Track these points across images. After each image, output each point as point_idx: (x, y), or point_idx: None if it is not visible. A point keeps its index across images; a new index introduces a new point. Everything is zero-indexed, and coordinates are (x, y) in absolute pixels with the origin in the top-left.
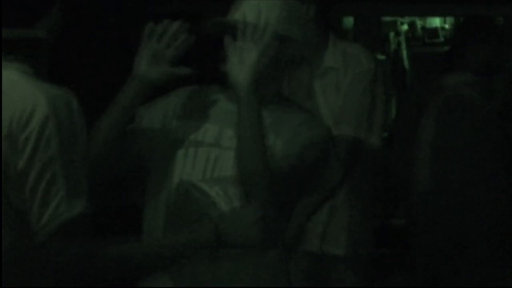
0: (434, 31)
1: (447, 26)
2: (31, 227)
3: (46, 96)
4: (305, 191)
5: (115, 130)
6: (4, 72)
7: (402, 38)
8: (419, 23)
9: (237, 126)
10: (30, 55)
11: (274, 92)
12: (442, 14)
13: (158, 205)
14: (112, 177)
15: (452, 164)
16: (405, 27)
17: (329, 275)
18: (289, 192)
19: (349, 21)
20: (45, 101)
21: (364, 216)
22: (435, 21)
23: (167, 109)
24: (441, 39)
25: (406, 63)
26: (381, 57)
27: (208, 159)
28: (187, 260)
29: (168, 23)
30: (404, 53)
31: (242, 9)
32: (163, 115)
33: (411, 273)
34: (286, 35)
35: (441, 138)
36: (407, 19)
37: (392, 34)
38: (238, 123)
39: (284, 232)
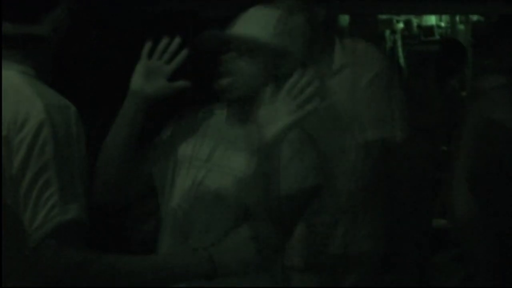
0: (430, 29)
1: (443, 24)
2: (25, 229)
3: (43, 101)
4: (302, 215)
5: (122, 148)
6: (5, 73)
7: (398, 36)
8: (415, 21)
9: (255, 169)
10: (31, 54)
11: None
12: (438, 12)
13: (162, 221)
14: (123, 195)
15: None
16: (401, 25)
17: (352, 277)
18: (285, 219)
19: (344, 19)
20: (41, 106)
21: (388, 216)
22: (431, 19)
23: (176, 131)
24: (437, 37)
25: (402, 61)
26: None
27: (195, 179)
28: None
29: (168, 41)
30: (400, 51)
31: (240, 23)
32: (171, 136)
33: (402, 272)
34: (283, 50)
35: (484, 162)
36: (403, 17)
37: (388, 32)
38: (256, 165)
39: (282, 249)
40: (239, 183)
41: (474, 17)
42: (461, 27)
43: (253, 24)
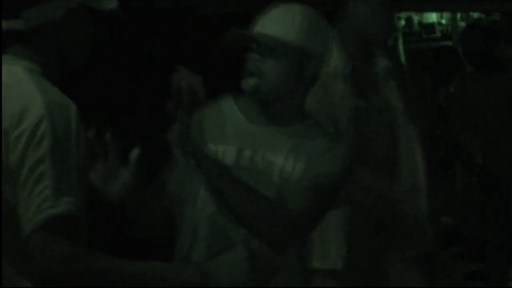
0: (431, 26)
1: (443, 21)
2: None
3: (43, 97)
4: (323, 213)
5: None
6: (11, 68)
7: (398, 34)
8: (415, 18)
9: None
10: (39, 51)
11: (296, 108)
12: (439, 9)
13: (186, 232)
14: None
15: None
16: (402, 22)
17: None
18: (308, 214)
19: None
20: (41, 102)
21: (428, 211)
22: (432, 17)
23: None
24: (438, 34)
25: (402, 58)
26: None
27: None
28: None
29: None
30: (401, 48)
31: (264, 22)
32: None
33: None
34: (306, 50)
35: None
36: (404, 14)
37: None
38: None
39: (277, 270)
40: (283, 186)
41: (475, 15)
42: (462, 24)
43: (278, 23)
